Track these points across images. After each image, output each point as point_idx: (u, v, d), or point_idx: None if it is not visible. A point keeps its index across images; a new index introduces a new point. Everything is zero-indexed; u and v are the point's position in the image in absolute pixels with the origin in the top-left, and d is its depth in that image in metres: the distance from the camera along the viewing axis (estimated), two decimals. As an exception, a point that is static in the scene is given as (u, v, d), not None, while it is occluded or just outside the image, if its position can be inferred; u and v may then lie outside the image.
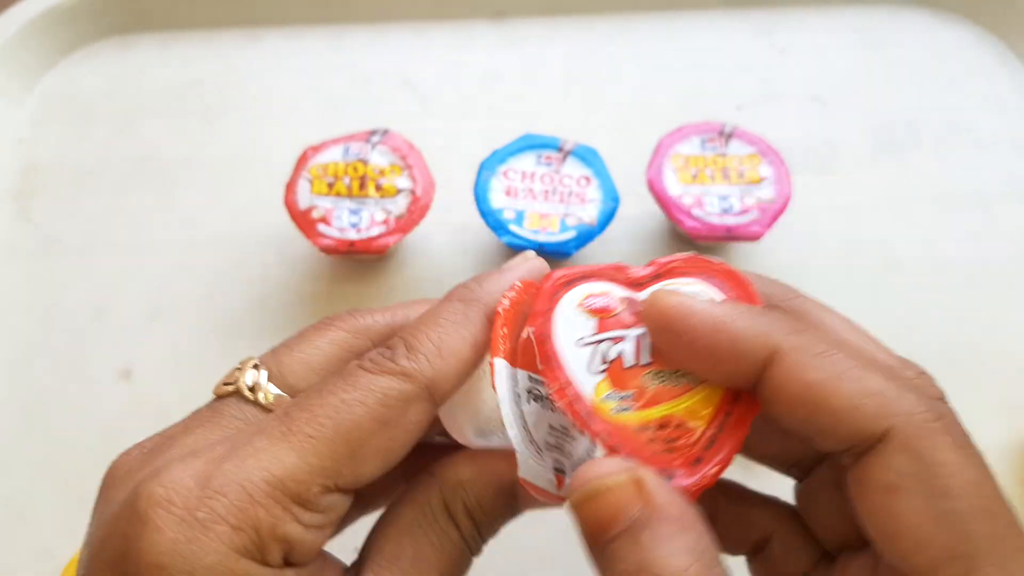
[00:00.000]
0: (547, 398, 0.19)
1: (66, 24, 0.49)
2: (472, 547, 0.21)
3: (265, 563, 0.17)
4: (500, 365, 0.19)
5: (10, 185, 0.45)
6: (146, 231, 0.43)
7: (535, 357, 0.20)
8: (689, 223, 0.38)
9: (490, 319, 0.21)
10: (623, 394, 0.19)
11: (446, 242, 0.43)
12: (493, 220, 0.37)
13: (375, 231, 0.37)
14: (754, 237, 0.38)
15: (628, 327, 0.20)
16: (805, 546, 0.21)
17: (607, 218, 0.38)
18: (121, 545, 0.17)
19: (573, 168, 0.39)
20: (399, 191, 0.38)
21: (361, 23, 0.51)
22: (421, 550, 0.20)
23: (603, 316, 0.21)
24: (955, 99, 0.49)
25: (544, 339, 0.20)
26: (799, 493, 0.22)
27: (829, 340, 0.19)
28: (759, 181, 0.39)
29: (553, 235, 0.37)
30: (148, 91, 0.48)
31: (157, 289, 0.42)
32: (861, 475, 0.17)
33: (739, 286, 0.20)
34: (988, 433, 0.38)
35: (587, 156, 0.39)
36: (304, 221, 0.37)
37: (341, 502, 0.19)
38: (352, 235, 0.37)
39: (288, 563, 0.18)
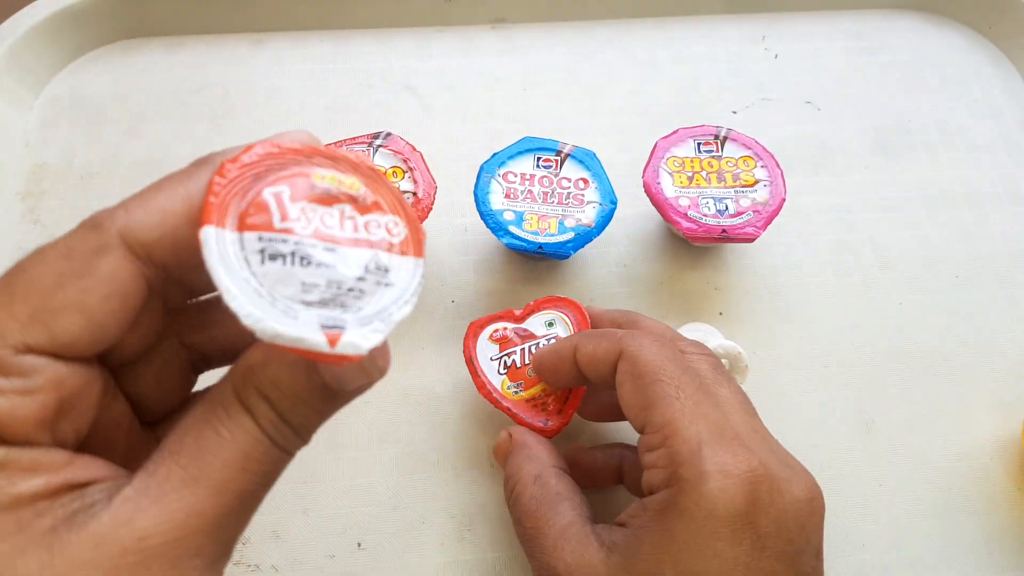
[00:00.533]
0: (292, 254, 0.18)
1: (74, 28, 0.50)
2: (277, 437, 0.18)
3: None
4: (208, 233, 0.18)
5: (18, 187, 0.45)
6: (152, 232, 0.44)
7: (272, 216, 0.19)
8: (685, 225, 0.39)
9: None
10: (517, 384, 0.35)
11: (447, 243, 0.43)
12: (493, 222, 0.38)
13: (377, 232, 0.38)
14: (749, 238, 0.39)
15: (516, 345, 0.36)
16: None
17: (605, 220, 0.38)
18: None
19: (571, 171, 0.40)
20: (401, 193, 0.39)
21: (364, 29, 0.52)
22: (204, 441, 0.18)
23: (502, 342, 0.36)
24: (947, 102, 0.50)
25: (471, 360, 0.35)
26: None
27: (645, 333, 0.30)
28: (754, 183, 0.40)
29: (552, 236, 0.38)
30: (155, 95, 0.49)
31: (163, 289, 0.42)
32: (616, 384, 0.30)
33: (581, 313, 0.36)
34: (981, 431, 0.39)
35: (585, 159, 0.40)
36: (308, 222, 0.38)
37: (48, 366, 0.17)
38: (355, 236, 0.38)
39: (2, 441, 0.17)
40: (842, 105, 0.50)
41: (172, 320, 0.22)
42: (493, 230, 0.38)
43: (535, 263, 0.43)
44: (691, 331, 0.40)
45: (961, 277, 0.43)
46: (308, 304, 0.18)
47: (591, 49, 0.52)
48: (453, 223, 0.44)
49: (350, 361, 0.18)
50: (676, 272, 0.43)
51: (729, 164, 0.41)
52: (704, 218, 0.39)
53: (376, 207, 0.20)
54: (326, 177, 0.20)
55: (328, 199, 0.20)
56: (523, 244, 0.37)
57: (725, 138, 0.42)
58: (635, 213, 0.44)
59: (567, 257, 0.38)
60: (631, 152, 0.44)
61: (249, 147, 0.19)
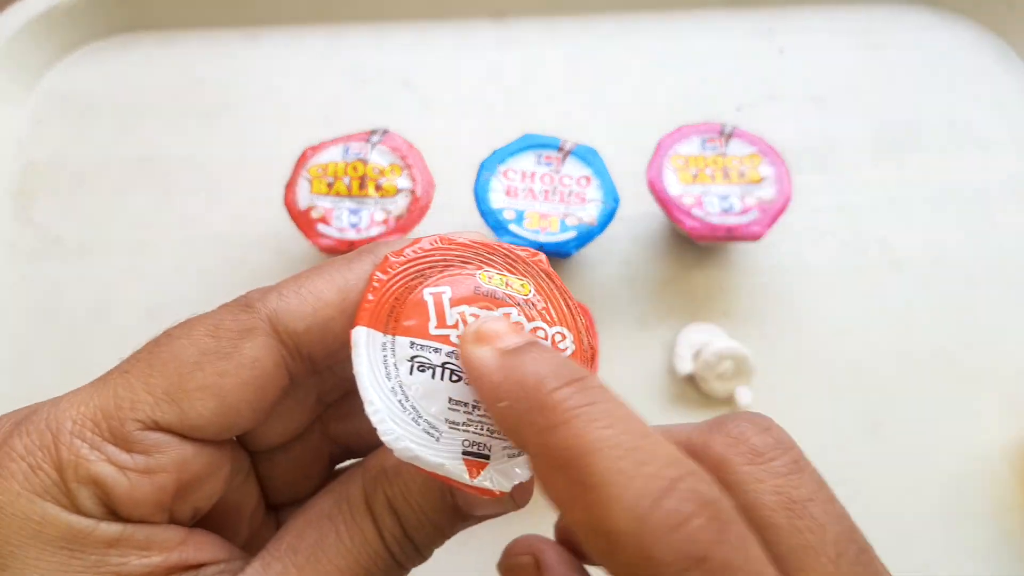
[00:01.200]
0: (443, 367, 0.18)
1: (66, 24, 0.49)
2: (396, 551, 0.18)
3: (76, 509, 0.16)
4: (359, 334, 0.17)
5: (10, 184, 0.45)
6: (146, 231, 0.43)
7: (428, 320, 0.18)
8: (689, 223, 0.38)
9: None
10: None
11: (446, 242, 0.43)
12: (493, 220, 0.37)
13: (375, 231, 0.37)
14: (755, 237, 0.38)
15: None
16: None
17: (607, 218, 0.38)
18: None
19: (573, 168, 0.39)
20: (399, 191, 0.38)
21: (361, 23, 0.51)
22: (324, 543, 0.17)
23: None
24: (955, 98, 0.49)
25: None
26: None
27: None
28: (759, 181, 0.39)
29: (553, 235, 0.37)
30: (148, 90, 0.48)
31: (157, 289, 0.41)
32: None
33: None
34: (990, 432, 0.38)
35: (587, 156, 0.39)
36: (304, 221, 0.37)
37: (172, 446, 0.17)
38: (352, 235, 0.37)
39: (117, 516, 0.16)
40: (849, 102, 0.49)
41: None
42: (493, 228, 0.37)
43: (536, 262, 0.42)
44: (695, 331, 0.39)
45: (970, 276, 0.43)
46: (453, 425, 0.17)
47: (593, 44, 0.51)
48: (452, 222, 0.43)
49: (490, 496, 0.17)
50: (680, 271, 0.42)
51: (734, 161, 0.40)
52: (709, 216, 0.38)
53: (545, 314, 0.19)
54: (493, 278, 0.19)
55: (494, 302, 0.18)
56: (524, 243, 0.37)
57: (730, 135, 0.41)
58: (638, 211, 0.43)
59: (568, 256, 0.37)
60: (634, 149, 0.43)
61: (415, 240, 0.18)
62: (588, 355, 0.19)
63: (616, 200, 0.38)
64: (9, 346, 0.40)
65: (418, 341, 0.17)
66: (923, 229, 0.44)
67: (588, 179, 0.39)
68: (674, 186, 0.39)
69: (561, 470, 0.14)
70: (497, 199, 0.38)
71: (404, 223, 0.37)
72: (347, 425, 0.21)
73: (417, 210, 0.38)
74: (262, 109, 0.48)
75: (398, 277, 0.18)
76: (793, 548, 0.16)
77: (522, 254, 0.19)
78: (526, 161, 0.39)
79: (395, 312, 0.18)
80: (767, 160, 0.40)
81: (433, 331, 0.18)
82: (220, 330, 0.17)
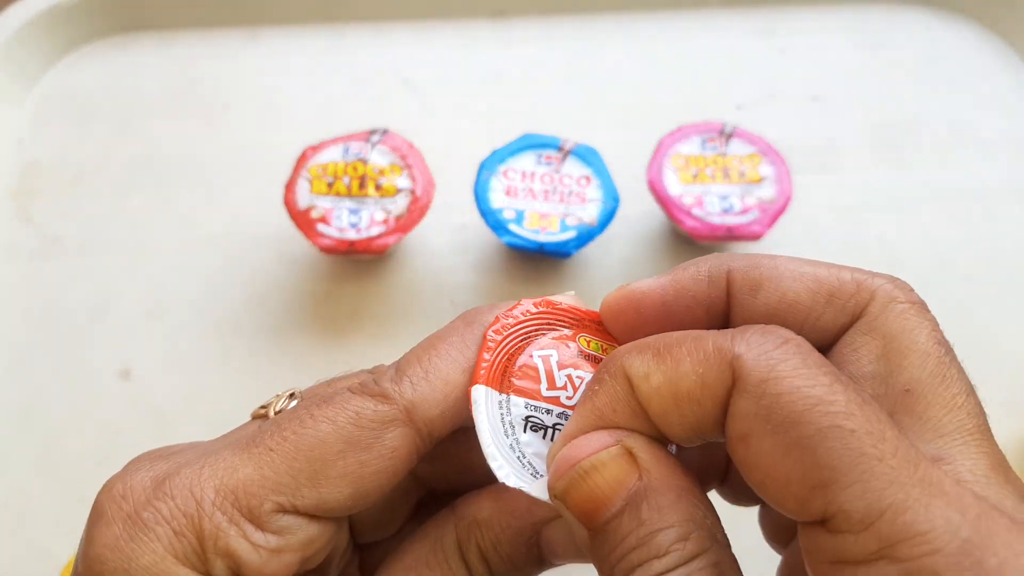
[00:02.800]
0: (553, 427, 0.19)
1: (65, 23, 0.49)
2: None
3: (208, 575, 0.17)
4: (478, 392, 0.18)
5: (9, 185, 0.45)
6: (146, 231, 0.43)
7: (540, 383, 0.19)
8: (689, 223, 0.38)
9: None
10: None
11: (446, 242, 0.43)
12: (493, 220, 0.37)
13: (375, 231, 0.37)
14: (755, 237, 0.38)
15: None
16: None
17: (607, 218, 0.38)
18: (83, 536, 0.17)
19: (573, 168, 0.39)
20: (399, 191, 0.38)
21: (360, 22, 0.51)
22: None
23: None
24: (955, 98, 0.49)
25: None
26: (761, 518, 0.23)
27: (769, 333, 0.17)
28: (759, 181, 0.39)
29: (553, 235, 0.37)
30: (148, 90, 0.48)
31: (157, 289, 0.41)
32: (728, 441, 0.16)
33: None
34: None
35: (587, 156, 0.39)
36: (303, 221, 0.37)
37: (302, 527, 0.17)
38: (352, 235, 0.37)
39: None
40: (849, 101, 0.49)
41: None
42: (493, 228, 0.37)
43: (536, 262, 0.42)
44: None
45: (970, 276, 0.43)
46: None
47: (594, 43, 0.51)
48: (452, 221, 0.43)
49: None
50: (680, 271, 0.42)
51: (735, 161, 0.40)
52: (709, 216, 0.38)
53: None
54: (591, 343, 0.20)
55: (595, 366, 0.19)
56: (524, 243, 0.37)
57: (730, 134, 0.41)
58: (638, 211, 0.43)
59: (568, 256, 0.37)
60: (634, 149, 0.43)
61: (519, 303, 0.20)
62: None
63: (616, 200, 0.38)
64: (9, 346, 0.40)
65: (532, 402, 0.19)
66: (923, 229, 0.44)
67: (588, 179, 0.39)
68: (674, 186, 0.39)
69: None
70: (497, 199, 0.38)
71: (404, 223, 0.37)
72: (435, 467, 0.22)
73: (417, 210, 0.38)
74: (262, 109, 0.48)
75: (510, 337, 0.19)
76: (933, 375, 0.17)
77: (615, 326, 0.21)
78: (526, 161, 0.39)
79: (508, 372, 0.19)
80: (767, 160, 0.40)
81: (545, 392, 0.19)
82: (362, 419, 0.18)
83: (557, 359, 0.19)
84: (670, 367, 0.16)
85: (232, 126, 0.47)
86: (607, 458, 0.16)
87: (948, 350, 0.17)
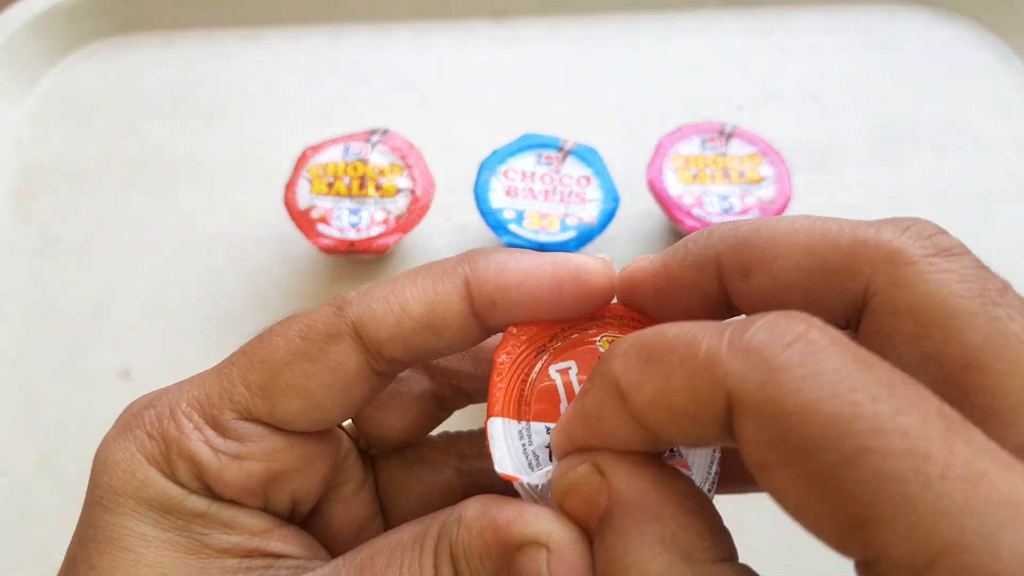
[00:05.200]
0: None
1: (66, 23, 0.49)
2: None
3: (174, 479, 0.18)
4: (495, 426, 0.17)
5: (10, 185, 0.45)
6: (146, 231, 0.43)
7: (559, 403, 0.17)
8: (689, 223, 0.38)
9: (466, 288, 0.18)
10: None
11: (446, 242, 0.43)
12: (493, 220, 0.37)
13: (375, 231, 0.37)
14: (754, 237, 0.38)
15: None
16: None
17: (607, 218, 0.38)
18: None
19: (573, 168, 0.39)
20: (399, 191, 0.38)
21: (361, 22, 0.51)
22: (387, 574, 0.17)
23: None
24: (955, 98, 0.49)
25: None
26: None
27: (779, 321, 0.13)
28: (759, 181, 0.39)
29: (553, 235, 0.37)
30: (148, 91, 0.48)
31: (157, 289, 0.41)
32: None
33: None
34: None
35: (587, 156, 0.39)
36: (304, 221, 0.37)
37: (264, 437, 0.18)
38: (352, 235, 0.37)
39: (212, 494, 0.18)
40: (849, 101, 0.49)
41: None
42: (493, 228, 0.37)
43: (536, 262, 0.42)
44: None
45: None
46: None
47: (594, 43, 0.51)
48: (452, 221, 0.43)
49: None
50: (680, 271, 0.42)
51: (734, 161, 0.40)
52: (709, 216, 0.38)
53: None
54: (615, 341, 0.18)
55: None
56: (524, 243, 0.37)
57: (730, 135, 0.41)
58: (638, 211, 0.43)
59: (569, 256, 0.37)
60: (634, 149, 0.43)
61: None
62: None
63: (616, 200, 0.38)
64: (9, 346, 0.40)
65: (552, 426, 0.17)
66: (923, 229, 0.44)
67: (588, 179, 0.39)
68: (674, 186, 0.39)
69: None
70: (497, 199, 0.38)
71: (404, 223, 0.37)
72: (482, 463, 0.22)
73: (417, 210, 0.38)
74: (262, 109, 0.48)
75: (522, 355, 0.18)
76: (990, 337, 0.13)
77: (636, 314, 0.19)
78: (526, 161, 0.39)
79: (525, 396, 0.17)
80: (767, 160, 0.40)
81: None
82: (311, 331, 0.18)
83: (576, 371, 0.18)
84: (661, 379, 0.14)
85: (232, 126, 0.47)
86: (576, 478, 0.15)
87: (995, 292, 0.14)
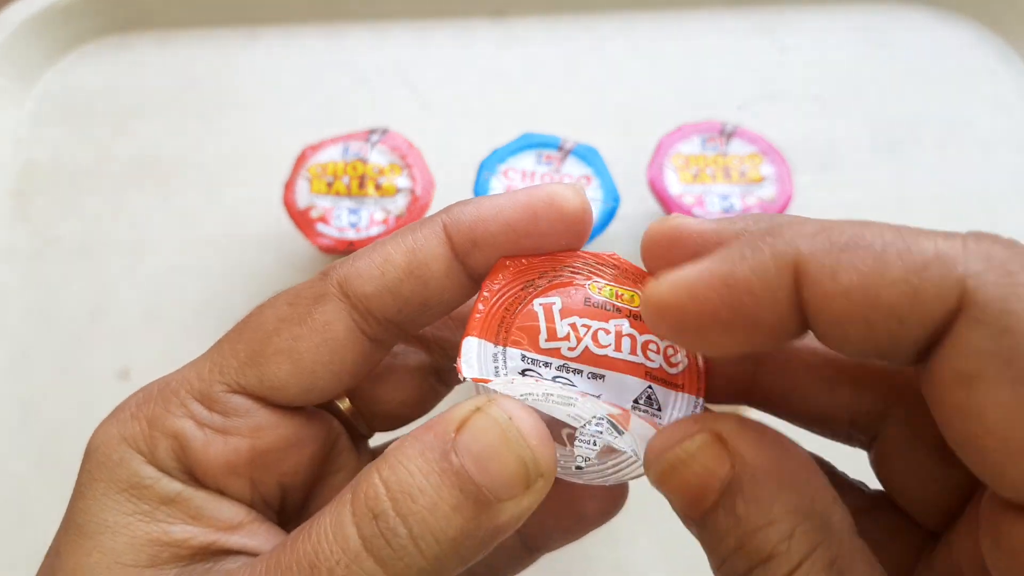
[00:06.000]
0: (553, 381, 0.17)
1: (64, 23, 0.49)
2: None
3: (153, 460, 0.17)
4: (469, 344, 0.17)
5: (8, 184, 0.45)
6: (145, 231, 0.43)
7: (539, 333, 0.17)
8: (689, 223, 0.38)
9: (444, 231, 0.18)
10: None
11: (446, 242, 0.42)
12: (493, 220, 0.37)
13: (374, 231, 0.37)
14: (755, 237, 0.38)
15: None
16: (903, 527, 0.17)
17: (607, 217, 0.37)
18: None
19: (573, 167, 0.39)
20: (398, 190, 0.38)
21: (360, 21, 0.51)
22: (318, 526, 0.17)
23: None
24: (956, 98, 0.49)
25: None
26: (874, 466, 0.19)
27: (847, 230, 0.14)
28: (760, 180, 0.39)
29: (553, 235, 0.37)
30: (146, 90, 0.48)
31: (156, 289, 0.41)
32: (934, 375, 0.12)
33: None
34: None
35: (587, 155, 0.39)
36: (303, 220, 0.37)
37: (252, 411, 0.18)
38: (351, 235, 0.37)
39: (192, 477, 0.17)
40: (850, 101, 0.49)
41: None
42: (493, 229, 0.37)
43: (536, 262, 0.42)
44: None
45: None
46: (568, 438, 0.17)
47: (594, 42, 0.51)
48: (452, 221, 0.43)
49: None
50: (680, 271, 0.42)
51: (735, 161, 0.40)
52: (710, 215, 0.38)
53: None
54: (603, 289, 0.18)
55: (604, 314, 0.18)
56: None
57: (731, 134, 0.41)
58: (638, 211, 0.43)
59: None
60: (634, 149, 0.43)
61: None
62: (700, 369, 0.18)
63: (616, 199, 0.38)
64: (8, 346, 0.40)
65: (528, 354, 0.17)
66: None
67: (588, 179, 0.39)
68: (674, 186, 0.39)
69: None
70: (497, 199, 0.38)
71: (404, 223, 0.37)
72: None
73: (417, 209, 0.38)
74: (261, 108, 0.47)
75: (508, 287, 0.18)
76: None
77: (630, 265, 0.19)
78: (526, 160, 0.39)
79: (505, 322, 0.17)
80: (768, 159, 0.40)
81: (543, 344, 0.17)
82: (298, 298, 0.18)
83: (560, 307, 0.17)
84: (872, 268, 0.12)
85: (232, 126, 0.47)
86: (693, 448, 0.14)
87: None
